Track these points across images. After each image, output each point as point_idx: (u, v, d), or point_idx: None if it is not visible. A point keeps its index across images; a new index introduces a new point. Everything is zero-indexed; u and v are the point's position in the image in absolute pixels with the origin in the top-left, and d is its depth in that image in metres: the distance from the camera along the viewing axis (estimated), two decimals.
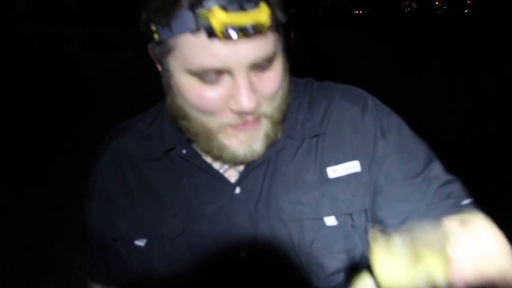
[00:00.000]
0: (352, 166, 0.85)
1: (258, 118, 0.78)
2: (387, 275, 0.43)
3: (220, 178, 0.86)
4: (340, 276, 0.86)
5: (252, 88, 0.72)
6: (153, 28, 0.72)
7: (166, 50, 0.73)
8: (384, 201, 0.84)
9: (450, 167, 0.88)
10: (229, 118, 0.76)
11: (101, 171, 0.94)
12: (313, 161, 0.86)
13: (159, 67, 0.81)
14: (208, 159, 0.87)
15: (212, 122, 0.77)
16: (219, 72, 0.71)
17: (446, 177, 0.86)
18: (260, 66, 0.73)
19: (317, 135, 0.87)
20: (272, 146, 0.84)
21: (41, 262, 2.91)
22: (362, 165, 0.85)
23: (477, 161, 4.80)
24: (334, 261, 0.85)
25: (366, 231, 0.87)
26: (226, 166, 0.87)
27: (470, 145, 5.29)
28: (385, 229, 0.82)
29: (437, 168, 0.86)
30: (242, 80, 0.71)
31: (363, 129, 0.87)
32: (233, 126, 0.77)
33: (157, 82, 0.82)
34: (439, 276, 0.43)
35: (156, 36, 0.72)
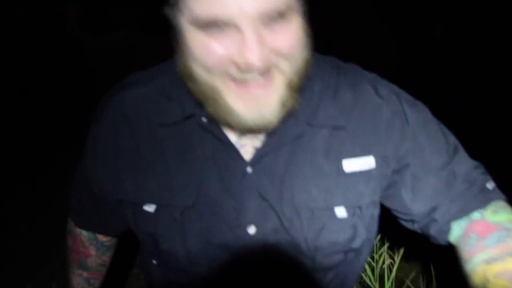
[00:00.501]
0: (367, 162, 0.84)
1: (270, 75, 0.70)
2: None
3: (234, 153, 0.82)
4: (340, 256, 0.88)
5: (261, 42, 0.66)
6: None
7: (176, 7, 0.71)
8: (411, 192, 0.86)
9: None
10: (234, 73, 0.69)
11: (109, 124, 0.87)
12: (331, 151, 0.84)
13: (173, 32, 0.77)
14: (226, 131, 0.83)
15: (217, 79, 0.71)
16: (225, 25, 0.66)
17: (471, 163, 0.88)
18: (272, 20, 0.67)
19: (338, 127, 0.84)
20: (291, 129, 0.81)
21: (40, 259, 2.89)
22: (376, 161, 0.84)
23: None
24: (337, 246, 0.86)
25: (373, 219, 0.89)
26: (243, 141, 0.83)
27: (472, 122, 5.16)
28: (413, 220, 0.89)
29: (462, 156, 0.88)
30: (248, 32, 0.65)
31: (386, 124, 0.85)
32: (237, 83, 0.70)
33: (156, 61, 0.79)
34: None
35: None
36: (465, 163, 0.87)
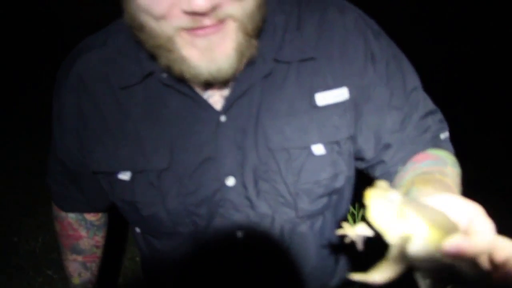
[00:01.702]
0: (341, 93, 0.80)
1: (221, 22, 0.66)
2: (374, 218, 0.45)
3: (204, 105, 0.79)
4: (324, 200, 0.86)
5: None
6: None
7: None
8: (365, 129, 0.83)
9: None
10: (181, 20, 0.65)
11: (70, 96, 0.84)
12: (302, 86, 0.80)
13: None
14: (191, 84, 0.79)
15: (166, 28, 0.66)
16: None
17: (427, 107, 0.86)
18: None
19: (307, 59, 0.80)
20: (258, 69, 0.78)
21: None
22: (350, 91, 0.81)
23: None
24: (320, 187, 0.84)
25: (350, 156, 0.86)
26: (209, 92, 0.80)
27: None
28: (363, 157, 0.87)
29: (419, 98, 0.85)
30: None
31: (354, 49, 0.81)
32: (188, 31, 0.66)
33: None
34: (416, 236, 0.44)
35: None
36: (421, 107, 0.84)
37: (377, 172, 0.87)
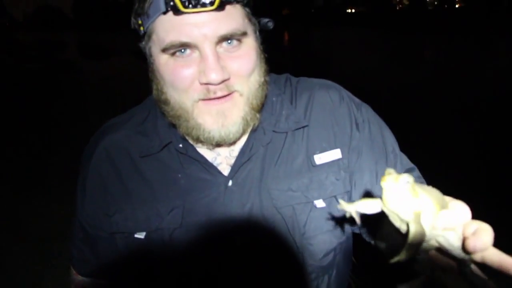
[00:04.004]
0: (335, 153, 0.92)
1: (230, 94, 0.81)
2: (389, 199, 0.54)
3: (214, 171, 0.90)
4: (331, 256, 0.95)
5: (219, 61, 0.78)
6: (139, 21, 0.82)
7: (147, 37, 0.82)
8: (359, 185, 0.94)
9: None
10: (199, 92, 0.80)
11: (95, 167, 0.95)
12: (300, 150, 0.92)
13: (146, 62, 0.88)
14: (201, 151, 0.92)
15: (186, 99, 0.81)
16: (189, 48, 0.78)
17: (407, 165, 0.98)
18: (228, 43, 0.79)
19: (301, 127, 0.93)
20: (260, 140, 0.91)
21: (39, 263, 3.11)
22: (342, 152, 0.93)
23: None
24: (325, 240, 0.92)
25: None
26: (219, 160, 0.92)
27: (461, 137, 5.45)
28: None
29: (401, 159, 0.97)
30: (207, 52, 0.77)
31: (341, 118, 0.95)
32: (205, 100, 0.81)
33: (148, 83, 0.87)
34: (428, 212, 0.53)
35: (142, 28, 0.82)
36: (400, 166, 0.96)
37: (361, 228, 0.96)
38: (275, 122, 0.92)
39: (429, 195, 0.54)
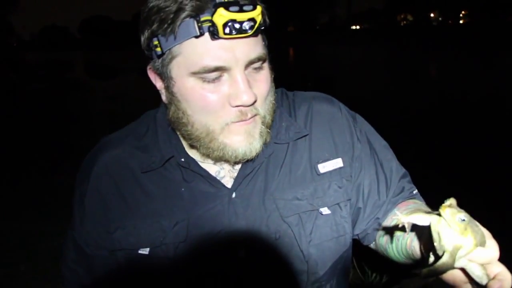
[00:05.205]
0: (337, 162, 0.95)
1: (254, 116, 0.83)
2: (440, 225, 0.60)
3: (217, 184, 0.90)
4: (334, 265, 0.95)
5: (249, 84, 0.79)
6: (155, 42, 0.80)
7: (169, 59, 0.81)
8: (362, 193, 0.97)
9: None
10: (231, 115, 0.81)
11: (94, 184, 0.93)
12: (303, 159, 0.94)
13: (159, 83, 0.87)
14: (204, 165, 0.91)
15: (215, 122, 0.81)
16: (220, 71, 0.78)
17: (401, 171, 1.01)
18: (254, 66, 0.81)
19: (302, 136, 0.95)
20: (262, 152, 0.89)
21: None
22: (344, 161, 0.95)
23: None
24: (330, 247, 0.93)
25: (350, 217, 0.97)
26: (222, 174, 0.92)
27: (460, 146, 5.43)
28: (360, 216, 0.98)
29: (395, 165, 1.00)
30: (240, 76, 0.78)
31: (341, 129, 0.97)
32: (237, 123, 0.82)
33: (155, 100, 0.88)
34: (465, 249, 0.59)
35: (158, 49, 0.80)
36: (396, 173, 0.99)
37: (356, 230, 0.99)
38: (276, 134, 0.93)
39: (474, 236, 0.59)
